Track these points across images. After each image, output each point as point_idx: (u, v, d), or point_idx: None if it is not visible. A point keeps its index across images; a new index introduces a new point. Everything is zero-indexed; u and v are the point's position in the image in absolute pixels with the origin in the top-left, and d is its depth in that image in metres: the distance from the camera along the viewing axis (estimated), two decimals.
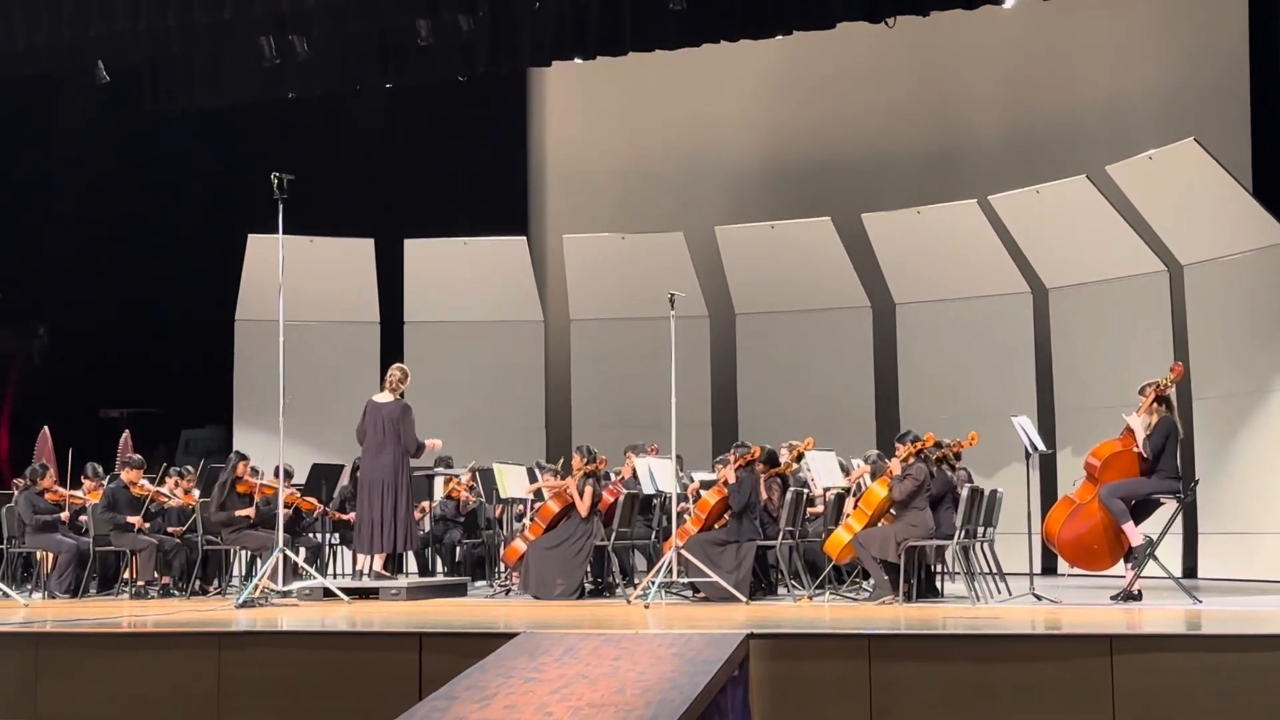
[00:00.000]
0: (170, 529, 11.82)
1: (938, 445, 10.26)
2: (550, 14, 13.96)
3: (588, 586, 11.18)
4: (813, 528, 11.21)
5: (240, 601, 9.95)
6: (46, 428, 14.28)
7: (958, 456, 10.55)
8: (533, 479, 12.14)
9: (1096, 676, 6.74)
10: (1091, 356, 13.86)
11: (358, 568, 11.17)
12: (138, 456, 12.14)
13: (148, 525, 11.63)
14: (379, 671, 7.33)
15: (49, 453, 13.90)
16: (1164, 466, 9.67)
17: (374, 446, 10.99)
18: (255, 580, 10.33)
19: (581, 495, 11.06)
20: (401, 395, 11.12)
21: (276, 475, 10.99)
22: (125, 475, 11.73)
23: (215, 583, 11.90)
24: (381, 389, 11.22)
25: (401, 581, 11.05)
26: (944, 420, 12.97)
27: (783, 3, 13.03)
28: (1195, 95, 14.12)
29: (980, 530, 10.36)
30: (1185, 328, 13.16)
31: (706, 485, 11.18)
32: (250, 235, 14.95)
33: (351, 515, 11.86)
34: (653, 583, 10.18)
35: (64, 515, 11.82)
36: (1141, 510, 9.82)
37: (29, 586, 12.14)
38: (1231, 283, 12.74)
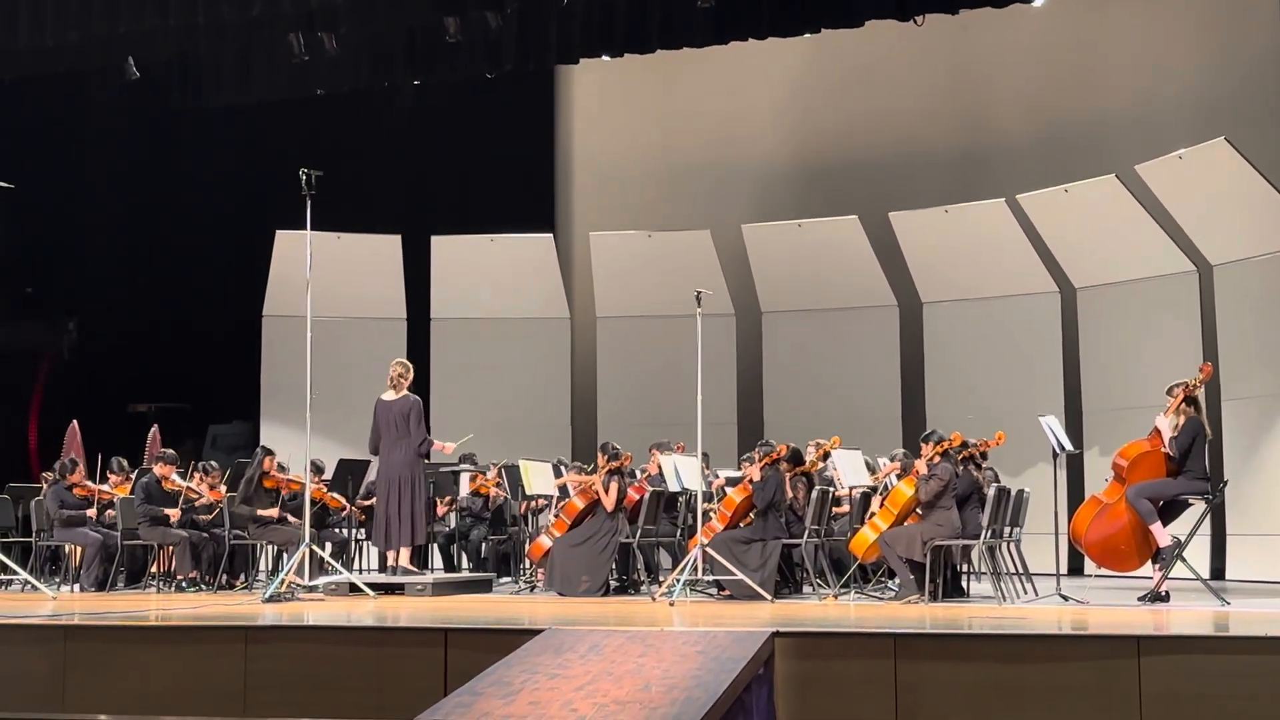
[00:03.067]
0: (201, 517, 11.87)
1: (964, 444, 10.22)
2: (578, 11, 13.96)
3: (613, 583, 11.19)
4: (838, 526, 11.20)
5: (267, 596, 10.00)
6: (75, 422, 14.36)
7: (984, 456, 10.52)
8: (557, 474, 12.14)
9: (1123, 678, 6.72)
10: (1120, 356, 13.79)
11: (389, 563, 11.19)
12: (171, 452, 12.19)
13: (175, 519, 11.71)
14: (404, 667, 7.35)
15: (78, 447, 13.98)
16: (1192, 467, 9.61)
17: (389, 444, 11.00)
18: (282, 575, 10.37)
19: (607, 491, 11.07)
20: (411, 389, 11.14)
21: (305, 470, 11.04)
22: (158, 469, 11.80)
23: (242, 577, 11.95)
24: (388, 387, 11.22)
25: (427, 577, 11.08)
26: (970, 419, 12.93)
27: (811, 0, 13.00)
28: (1226, 94, 14.04)
29: (1007, 530, 10.34)
30: (1215, 328, 13.09)
31: (732, 482, 11.17)
32: (278, 231, 15.00)
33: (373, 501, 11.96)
34: (678, 580, 10.18)
35: (91, 512, 11.88)
36: (1169, 511, 9.77)
37: (57, 580, 12.21)
38: (1262, 283, 12.66)
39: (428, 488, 11.21)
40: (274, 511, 11.55)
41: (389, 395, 11.09)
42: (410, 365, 11.25)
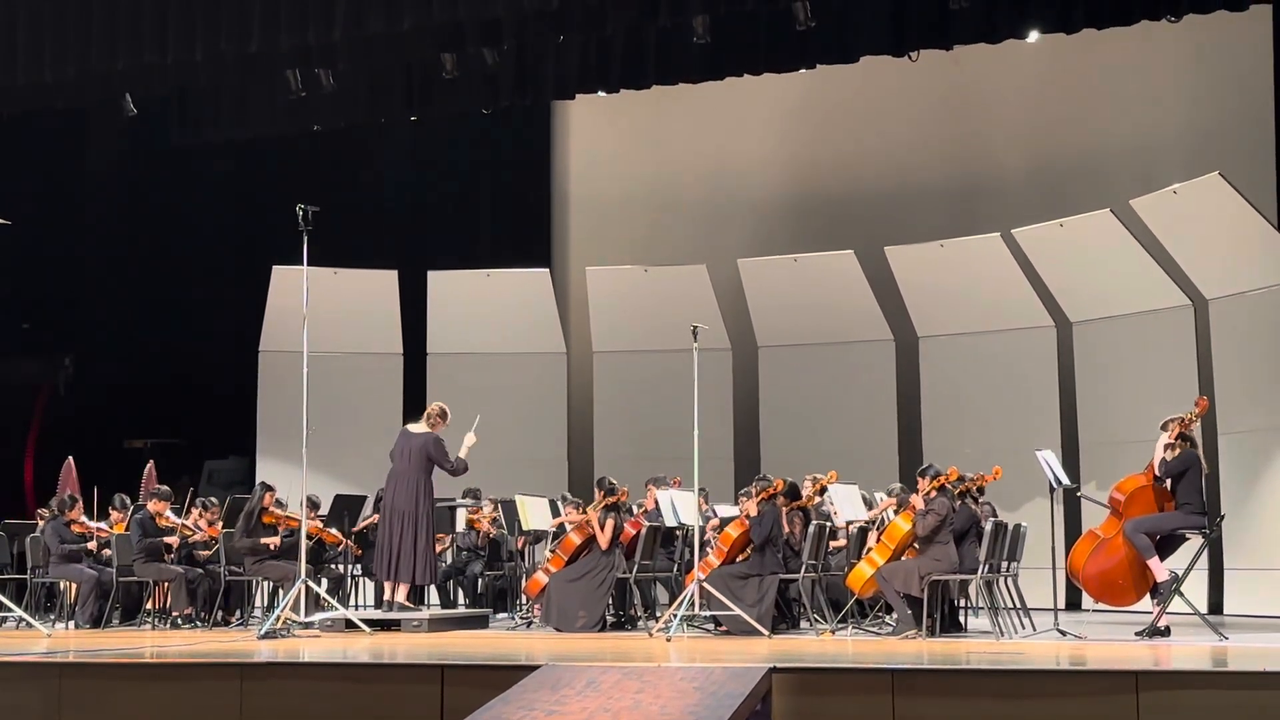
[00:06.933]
0: (200, 552, 11.85)
1: (961, 479, 10.22)
2: (574, 47, 14.01)
3: (609, 619, 11.16)
4: (835, 561, 11.18)
5: (262, 632, 9.97)
6: (71, 458, 14.33)
7: (981, 491, 10.52)
8: (555, 512, 12.12)
9: (1122, 713, 6.69)
10: (1115, 390, 13.80)
11: (385, 599, 11.17)
12: (165, 488, 12.17)
13: (172, 556, 11.69)
14: (401, 703, 7.31)
15: (74, 483, 13.95)
16: (1189, 501, 9.60)
17: (397, 475, 11.02)
18: (277, 611, 10.35)
19: (602, 528, 11.05)
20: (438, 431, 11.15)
21: (301, 506, 11.02)
22: (152, 506, 11.77)
23: (238, 613, 11.91)
24: (418, 420, 11.26)
25: (423, 613, 11.05)
26: (967, 454, 12.92)
27: (806, 36, 13.05)
28: (1220, 129, 14.10)
29: (1004, 565, 10.32)
30: (1210, 362, 13.11)
31: (726, 522, 11.16)
32: (275, 267, 15.01)
33: (367, 523, 11.95)
34: (675, 615, 10.15)
35: (92, 545, 11.85)
36: (1167, 545, 9.77)
37: (52, 616, 12.17)
38: (1256, 317, 12.69)
39: (432, 526, 11.21)
40: (275, 541, 11.52)
41: (416, 427, 11.12)
42: (448, 413, 11.23)
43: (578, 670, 7.07)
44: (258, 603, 12.37)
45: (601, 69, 14.15)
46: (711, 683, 6.72)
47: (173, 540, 11.65)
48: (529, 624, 11.49)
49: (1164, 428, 9.75)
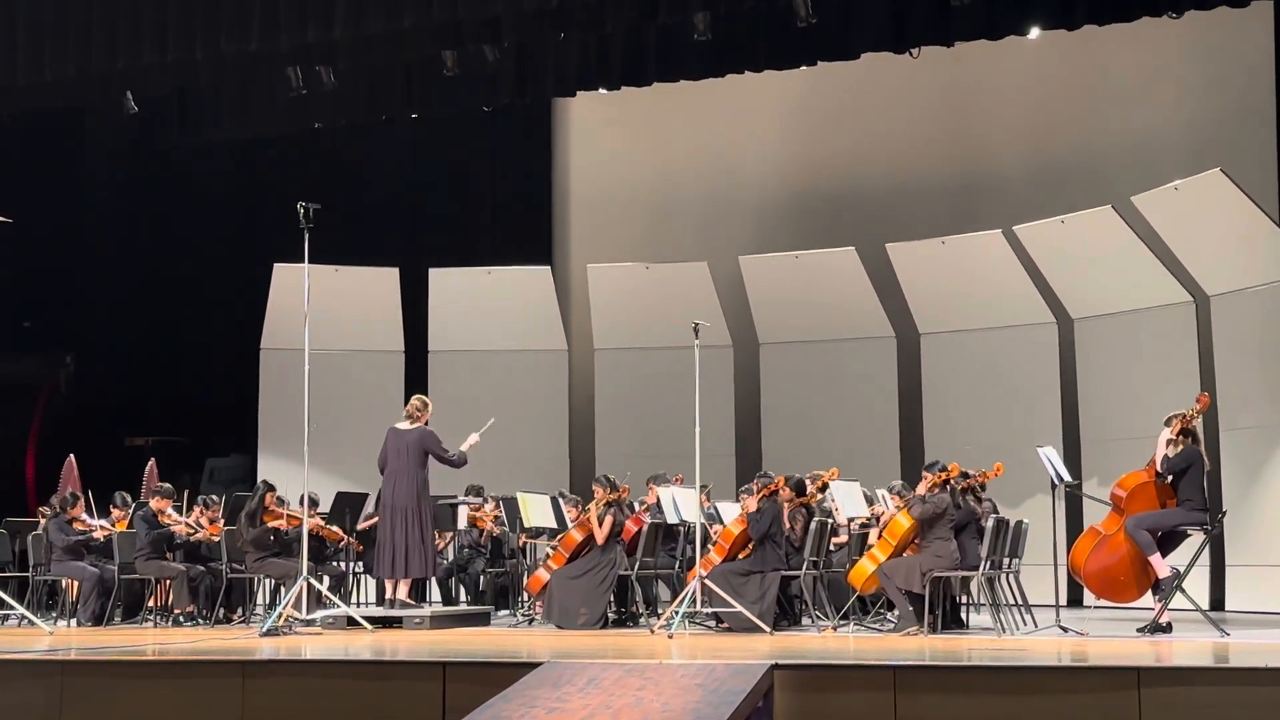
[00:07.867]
0: (211, 539, 11.88)
1: (964, 475, 10.22)
2: (575, 45, 14.00)
3: (611, 616, 11.17)
4: (836, 558, 11.18)
5: (264, 630, 9.97)
6: (72, 456, 14.33)
7: (983, 487, 10.51)
8: (557, 509, 12.11)
9: (1124, 710, 6.70)
10: (1117, 387, 13.79)
11: (387, 597, 11.17)
12: (167, 486, 12.19)
13: (171, 555, 11.71)
14: (402, 701, 7.32)
15: (75, 481, 13.95)
16: (1190, 497, 9.61)
17: (395, 473, 11.02)
18: (279, 609, 10.35)
19: (601, 524, 11.05)
20: (426, 424, 11.15)
21: (302, 503, 11.03)
22: (154, 504, 11.78)
23: (239, 611, 11.92)
24: (403, 417, 11.27)
25: (425, 610, 11.05)
26: (969, 451, 12.91)
27: (807, 33, 13.04)
28: (1221, 125, 14.09)
29: (1006, 561, 10.32)
30: (1211, 358, 13.10)
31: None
32: (276, 264, 15.01)
33: (369, 523, 11.96)
34: (676, 612, 10.16)
35: (100, 535, 11.86)
36: (1168, 542, 9.77)
37: (54, 614, 12.17)
38: (1258, 313, 12.68)
39: (431, 521, 11.22)
40: (283, 523, 11.53)
41: (403, 425, 11.12)
42: (429, 402, 11.28)
43: (579, 667, 7.07)
44: (259, 600, 12.37)
45: (602, 66, 14.14)
46: (713, 679, 6.72)
47: (180, 527, 11.68)
48: (530, 621, 11.49)
49: (1166, 424, 9.75)
